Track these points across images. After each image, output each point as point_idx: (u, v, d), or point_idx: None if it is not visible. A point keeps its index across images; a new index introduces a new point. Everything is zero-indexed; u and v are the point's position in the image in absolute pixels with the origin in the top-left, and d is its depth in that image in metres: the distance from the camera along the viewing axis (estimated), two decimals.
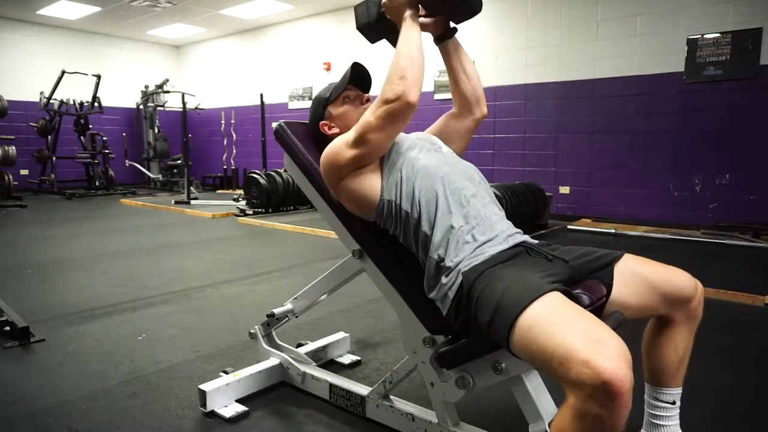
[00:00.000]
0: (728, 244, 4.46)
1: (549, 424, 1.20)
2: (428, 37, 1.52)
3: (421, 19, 1.43)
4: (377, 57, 3.96)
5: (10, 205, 7.03)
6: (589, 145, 5.91)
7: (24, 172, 9.08)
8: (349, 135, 1.37)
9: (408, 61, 1.29)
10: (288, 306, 1.85)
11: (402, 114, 1.28)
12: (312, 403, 1.77)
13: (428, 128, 1.64)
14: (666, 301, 1.29)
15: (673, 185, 5.41)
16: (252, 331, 1.95)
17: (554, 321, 0.99)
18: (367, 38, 1.54)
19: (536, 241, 1.37)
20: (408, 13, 1.38)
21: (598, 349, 0.90)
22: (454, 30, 1.53)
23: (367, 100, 1.56)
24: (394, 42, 1.44)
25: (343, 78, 1.56)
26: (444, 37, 1.52)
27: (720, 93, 5.07)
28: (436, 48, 1.57)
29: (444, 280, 1.27)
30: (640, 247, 4.27)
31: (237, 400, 1.75)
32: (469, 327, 1.23)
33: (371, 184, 1.38)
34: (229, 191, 9.30)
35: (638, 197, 5.64)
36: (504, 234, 1.33)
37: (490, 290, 1.14)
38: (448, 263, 1.27)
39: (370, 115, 1.32)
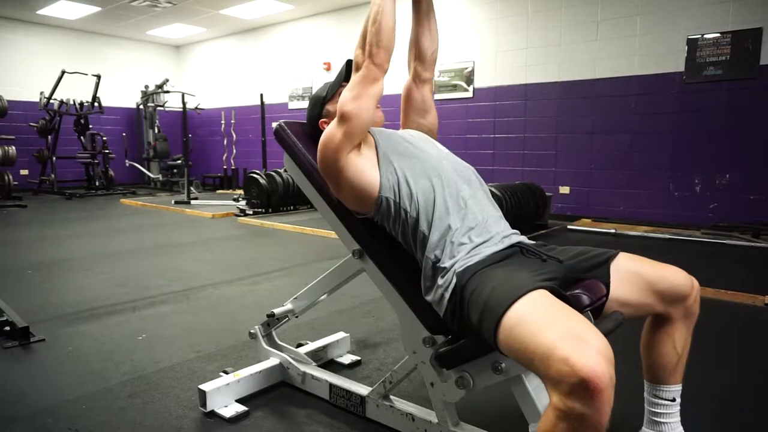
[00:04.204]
0: (728, 244, 4.45)
1: None
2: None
3: None
4: None
5: (10, 205, 7.03)
6: (589, 145, 5.91)
7: (24, 172, 9.08)
8: (334, 120, 1.40)
9: (374, 24, 1.33)
10: (288, 306, 1.85)
11: (371, 76, 1.33)
12: (312, 403, 1.77)
13: (401, 121, 1.68)
14: (663, 299, 1.30)
15: (673, 185, 5.41)
16: (252, 331, 1.95)
17: (537, 319, 1.00)
18: None
19: (532, 242, 1.37)
20: None
21: (578, 346, 0.90)
22: None
23: None
24: None
25: (339, 75, 1.57)
26: None
27: (720, 93, 5.07)
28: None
29: (440, 281, 1.27)
30: (640, 247, 4.27)
31: (237, 400, 1.75)
32: (466, 327, 1.23)
33: (370, 178, 1.38)
34: (229, 191, 9.30)
35: (638, 197, 5.64)
36: (500, 235, 1.33)
37: (480, 290, 1.15)
38: (444, 264, 1.27)
39: (344, 90, 1.37)
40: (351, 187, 1.40)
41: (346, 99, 1.35)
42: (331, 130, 1.38)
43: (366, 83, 1.34)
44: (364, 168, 1.38)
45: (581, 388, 0.86)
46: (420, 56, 1.62)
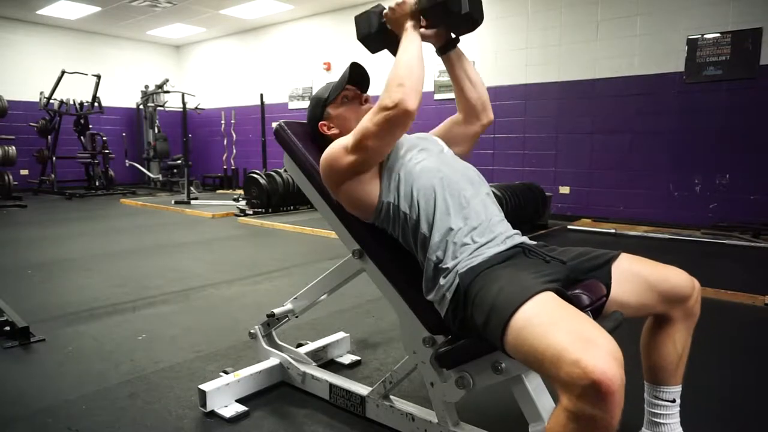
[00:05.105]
0: (728, 244, 4.45)
1: None
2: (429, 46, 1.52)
3: (423, 30, 1.43)
4: (376, 57, 3.94)
5: (10, 205, 7.03)
6: (589, 145, 5.91)
7: (24, 172, 9.08)
8: (348, 140, 1.35)
9: (407, 70, 1.29)
10: (288, 306, 1.85)
11: (399, 122, 1.27)
12: (312, 403, 1.77)
13: (432, 130, 1.64)
14: (663, 300, 1.30)
15: (673, 185, 5.41)
16: (252, 331, 1.95)
17: (545, 321, 1.00)
18: (368, 48, 1.53)
19: (534, 243, 1.37)
20: (409, 23, 1.38)
21: (588, 348, 0.90)
22: (456, 41, 1.52)
23: (366, 100, 1.56)
24: (395, 52, 1.42)
25: (342, 78, 1.56)
26: (446, 48, 1.51)
27: (720, 93, 5.07)
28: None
29: (442, 281, 1.27)
30: (640, 247, 4.27)
31: (237, 400, 1.75)
32: (468, 328, 1.23)
33: (370, 188, 1.38)
34: (229, 191, 9.30)
35: (638, 197, 5.64)
36: (503, 236, 1.33)
37: (485, 292, 1.15)
38: (447, 265, 1.27)
39: (368, 121, 1.30)
40: (350, 199, 1.41)
41: (368, 132, 1.29)
42: (339, 152, 1.35)
43: (393, 128, 1.29)
44: (365, 179, 1.38)
45: (593, 390, 0.86)
46: (470, 109, 1.56)
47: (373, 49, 1.52)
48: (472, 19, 1.42)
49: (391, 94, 1.25)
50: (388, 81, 1.29)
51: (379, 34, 1.47)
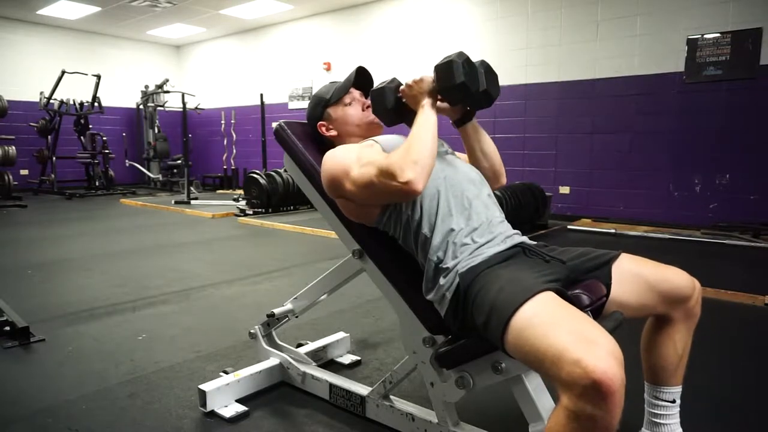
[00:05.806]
0: (728, 244, 4.45)
1: None
2: None
3: (439, 104, 1.42)
4: (379, 59, 3.95)
5: (10, 205, 7.03)
6: (589, 145, 5.91)
7: (24, 172, 9.08)
8: (352, 168, 1.33)
9: (422, 148, 1.26)
10: (288, 306, 1.85)
11: (404, 196, 1.27)
12: (312, 403, 1.77)
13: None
14: (664, 300, 1.30)
15: (673, 185, 5.41)
16: (252, 331, 1.95)
17: (546, 321, 1.00)
18: (383, 122, 1.51)
19: (534, 242, 1.37)
20: (427, 101, 1.36)
21: (588, 348, 0.90)
22: (473, 113, 1.51)
23: (369, 106, 1.56)
24: (411, 124, 1.40)
25: (347, 81, 1.56)
26: (462, 121, 1.51)
27: (720, 93, 5.07)
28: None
29: (442, 281, 1.27)
30: (640, 247, 4.27)
31: (237, 400, 1.75)
32: (468, 328, 1.23)
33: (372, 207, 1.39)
34: (229, 191, 9.30)
35: (638, 197, 5.64)
36: (503, 235, 1.33)
37: (485, 292, 1.15)
38: (447, 265, 1.27)
39: (375, 175, 1.27)
40: (350, 210, 1.42)
41: (373, 185, 1.28)
42: (341, 175, 1.34)
43: (399, 198, 1.29)
44: None
45: (593, 390, 0.87)
46: (481, 172, 1.52)
47: (389, 122, 1.49)
48: (488, 96, 1.42)
49: (404, 169, 1.22)
50: (403, 152, 1.26)
51: (394, 109, 1.44)
